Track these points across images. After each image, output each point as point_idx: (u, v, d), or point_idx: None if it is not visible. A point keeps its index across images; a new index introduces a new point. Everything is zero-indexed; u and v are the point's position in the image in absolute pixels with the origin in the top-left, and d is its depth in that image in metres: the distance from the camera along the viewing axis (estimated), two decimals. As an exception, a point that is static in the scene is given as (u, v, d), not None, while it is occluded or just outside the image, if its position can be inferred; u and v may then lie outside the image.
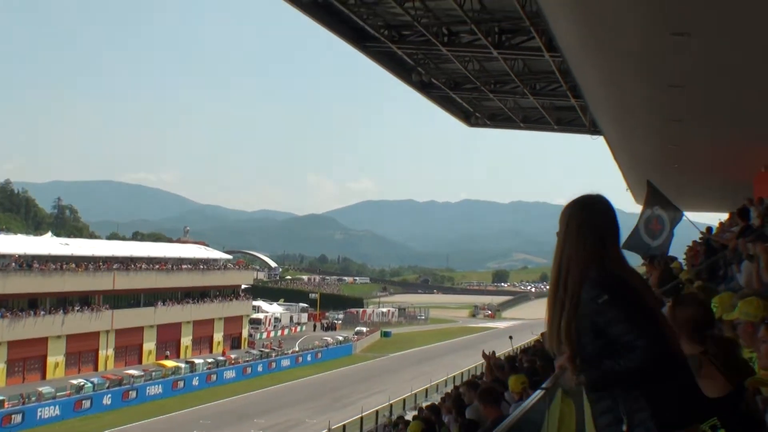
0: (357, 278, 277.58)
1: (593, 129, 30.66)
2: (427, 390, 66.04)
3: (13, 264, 74.37)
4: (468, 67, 27.95)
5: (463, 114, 37.38)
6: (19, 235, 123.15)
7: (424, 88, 31.38)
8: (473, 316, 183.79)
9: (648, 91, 14.92)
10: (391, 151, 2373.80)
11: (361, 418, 50.79)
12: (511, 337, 29.10)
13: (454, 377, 68.92)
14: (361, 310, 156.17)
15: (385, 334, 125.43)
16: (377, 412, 52.68)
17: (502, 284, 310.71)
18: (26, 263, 75.62)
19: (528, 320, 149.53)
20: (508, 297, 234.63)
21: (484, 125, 38.61)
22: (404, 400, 60.40)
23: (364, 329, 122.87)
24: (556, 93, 30.47)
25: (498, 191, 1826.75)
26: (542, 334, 19.60)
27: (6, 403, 57.14)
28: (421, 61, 28.46)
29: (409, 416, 30.40)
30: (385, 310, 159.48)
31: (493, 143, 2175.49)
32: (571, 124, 36.11)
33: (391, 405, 55.86)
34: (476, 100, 35.12)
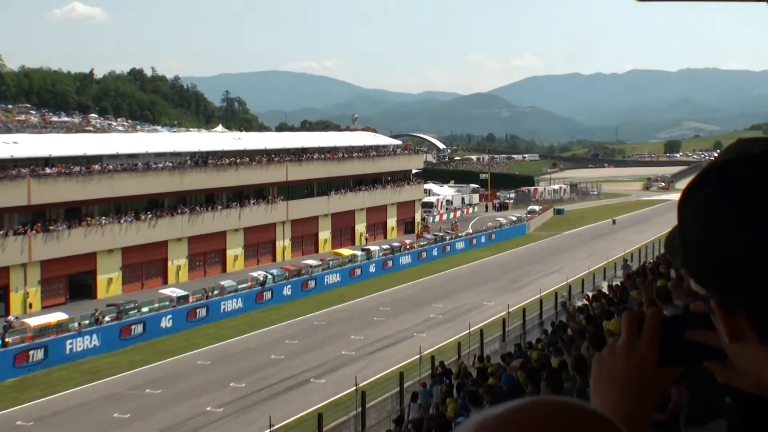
0: (526, 156, 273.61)
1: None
2: (604, 269, 64.58)
3: (189, 161, 76.09)
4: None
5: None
6: (192, 131, 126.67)
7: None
8: (647, 188, 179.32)
9: None
10: (554, 26, 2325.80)
11: (540, 299, 49.98)
12: None
13: (630, 254, 67.17)
14: (533, 188, 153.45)
15: (558, 212, 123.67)
16: (556, 292, 51.73)
17: (675, 154, 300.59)
18: (201, 159, 77.27)
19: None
20: (682, 167, 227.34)
21: (655, -2, 36.61)
22: (582, 279, 59.24)
23: (537, 208, 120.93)
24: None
25: (665, 59, 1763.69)
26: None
27: (191, 298, 58.09)
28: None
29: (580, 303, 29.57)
30: (556, 187, 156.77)
31: (657, 11, 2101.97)
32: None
33: (569, 285, 54.85)
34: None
